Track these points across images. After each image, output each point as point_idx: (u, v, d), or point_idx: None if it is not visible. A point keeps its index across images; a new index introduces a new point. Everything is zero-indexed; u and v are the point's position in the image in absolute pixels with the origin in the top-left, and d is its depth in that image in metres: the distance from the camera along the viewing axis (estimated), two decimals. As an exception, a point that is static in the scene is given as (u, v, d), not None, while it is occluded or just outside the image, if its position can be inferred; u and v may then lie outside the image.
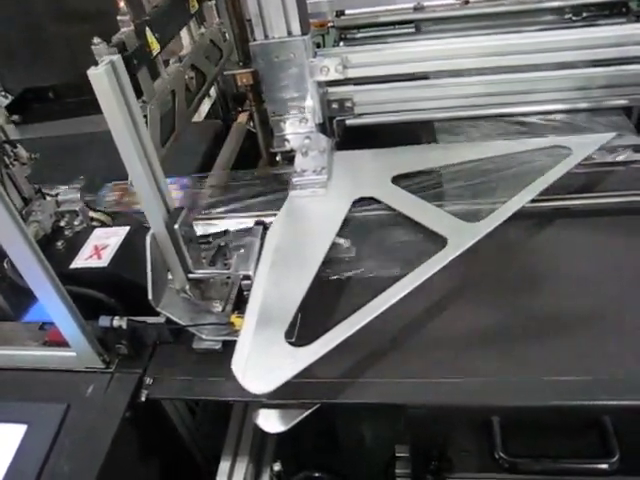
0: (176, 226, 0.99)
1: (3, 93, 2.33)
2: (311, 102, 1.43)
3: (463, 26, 2.00)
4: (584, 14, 1.98)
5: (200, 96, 1.49)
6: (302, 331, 1.01)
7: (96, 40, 0.92)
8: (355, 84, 1.51)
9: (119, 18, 1.05)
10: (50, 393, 1.06)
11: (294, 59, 1.37)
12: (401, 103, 1.53)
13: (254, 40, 1.38)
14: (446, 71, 1.49)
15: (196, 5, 1.40)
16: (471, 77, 1.51)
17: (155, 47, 1.14)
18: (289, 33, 1.35)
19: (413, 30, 2.08)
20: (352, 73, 1.41)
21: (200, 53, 1.49)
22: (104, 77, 0.83)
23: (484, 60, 1.43)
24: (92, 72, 0.83)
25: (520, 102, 1.49)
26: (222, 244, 1.15)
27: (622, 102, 1.46)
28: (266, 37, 1.36)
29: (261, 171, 1.52)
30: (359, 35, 2.10)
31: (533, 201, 1.18)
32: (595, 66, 1.42)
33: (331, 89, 1.49)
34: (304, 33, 1.35)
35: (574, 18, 2.01)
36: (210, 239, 1.18)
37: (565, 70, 1.43)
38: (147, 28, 1.11)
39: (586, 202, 1.22)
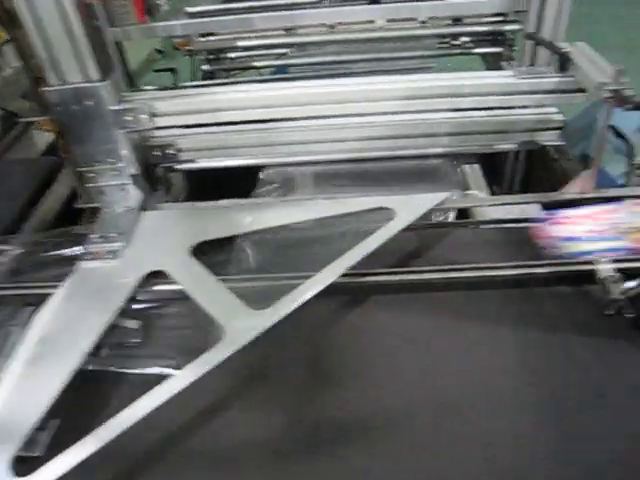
0: None
1: None
2: (124, 151, 1.28)
3: (333, 50, 1.88)
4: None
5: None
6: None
7: None
8: (181, 126, 1.37)
9: None
10: None
11: (95, 107, 1.22)
12: (232, 149, 1.40)
13: (48, 85, 1.21)
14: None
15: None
16: (310, 121, 1.39)
17: None
18: (86, 78, 1.20)
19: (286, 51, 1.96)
20: (162, 122, 1.27)
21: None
22: None
23: (308, 108, 1.32)
24: None
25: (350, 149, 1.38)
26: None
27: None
28: (61, 82, 1.21)
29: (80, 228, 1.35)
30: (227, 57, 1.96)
31: (345, 275, 1.07)
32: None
33: (151, 134, 1.34)
34: (104, 77, 1.20)
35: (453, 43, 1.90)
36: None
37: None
38: None
39: (408, 277, 1.10)
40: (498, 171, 1.78)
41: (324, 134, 1.38)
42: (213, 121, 1.34)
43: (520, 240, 1.17)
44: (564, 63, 1.17)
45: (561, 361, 0.98)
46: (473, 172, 1.71)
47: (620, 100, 1.03)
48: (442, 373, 0.96)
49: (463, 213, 1.36)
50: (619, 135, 2.08)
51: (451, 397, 0.92)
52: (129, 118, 1.23)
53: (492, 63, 1.92)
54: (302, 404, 0.94)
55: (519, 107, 1.25)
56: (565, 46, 1.21)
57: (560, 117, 1.27)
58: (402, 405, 0.92)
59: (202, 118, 1.33)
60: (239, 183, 1.54)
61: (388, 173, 1.41)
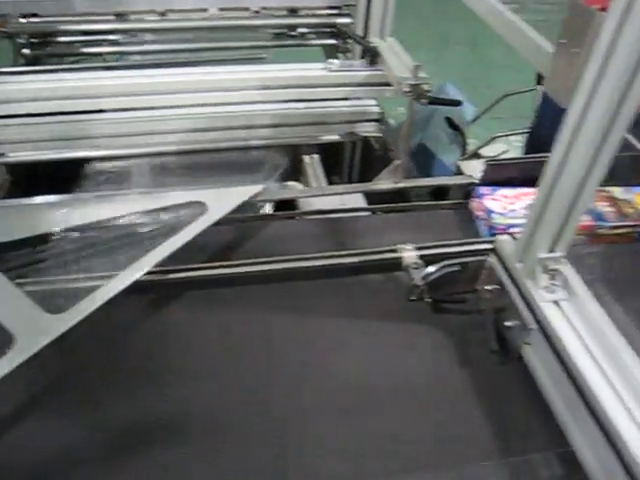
0: None
1: None
2: None
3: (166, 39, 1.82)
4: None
5: None
6: None
7: None
8: None
9: None
10: None
11: None
12: (49, 141, 1.32)
13: None
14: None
15: None
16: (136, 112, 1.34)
17: None
18: None
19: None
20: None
21: None
22: None
23: (133, 99, 1.27)
24: None
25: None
26: None
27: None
28: None
29: None
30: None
31: (153, 273, 1.03)
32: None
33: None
34: None
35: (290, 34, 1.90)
36: None
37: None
38: None
39: (218, 272, 1.09)
40: (337, 162, 1.82)
41: (150, 126, 1.34)
42: (28, 111, 1.25)
43: (338, 230, 1.20)
44: (373, 57, 1.20)
45: (369, 347, 1.02)
46: (312, 163, 1.74)
47: (418, 94, 1.08)
48: (255, 370, 0.96)
49: (290, 205, 1.37)
50: (453, 126, 2.19)
51: (260, 393, 0.93)
52: None
53: (332, 55, 1.95)
54: (104, 408, 0.91)
55: (337, 99, 1.27)
56: (375, 41, 1.25)
57: (377, 109, 1.31)
58: (212, 402, 0.91)
59: (12, 108, 1.24)
60: (70, 177, 1.46)
61: (215, 165, 1.39)
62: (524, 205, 1.17)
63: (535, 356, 0.95)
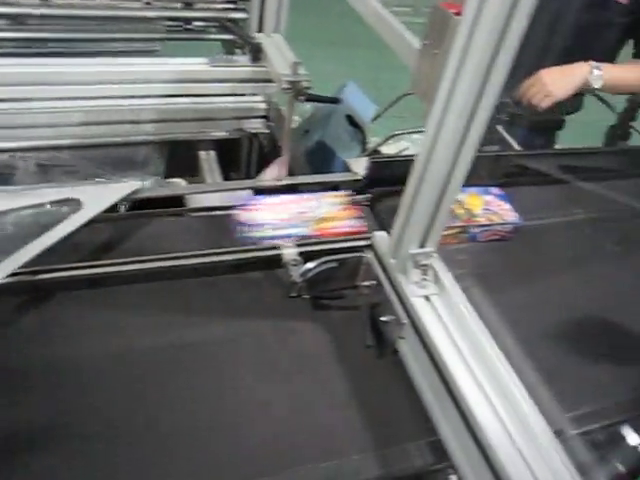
0: None
1: None
2: None
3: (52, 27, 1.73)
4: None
5: None
6: None
7: None
8: None
9: None
10: None
11: None
12: None
13: None
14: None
15: None
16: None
17: None
18: None
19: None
20: None
21: None
22: None
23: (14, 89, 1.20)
24: None
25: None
26: None
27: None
28: None
29: None
30: None
31: (19, 274, 0.98)
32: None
33: None
34: None
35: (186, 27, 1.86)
36: None
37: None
38: None
39: (90, 271, 1.04)
40: (234, 159, 1.80)
41: (32, 118, 1.27)
42: None
43: (221, 227, 1.18)
44: (256, 53, 1.19)
45: (250, 345, 1.01)
46: (208, 158, 1.71)
47: (297, 91, 1.08)
48: (140, 374, 0.93)
49: (176, 201, 1.33)
50: (354, 124, 2.21)
51: (151, 396, 0.90)
52: None
53: (230, 51, 1.92)
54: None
55: (221, 95, 1.25)
56: (259, 37, 1.24)
57: (263, 106, 1.30)
58: (88, 409, 0.87)
59: None
60: None
61: (94, 161, 1.33)
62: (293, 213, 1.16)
63: (408, 350, 0.97)
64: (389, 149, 2.35)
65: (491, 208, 1.27)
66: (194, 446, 0.84)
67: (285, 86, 1.07)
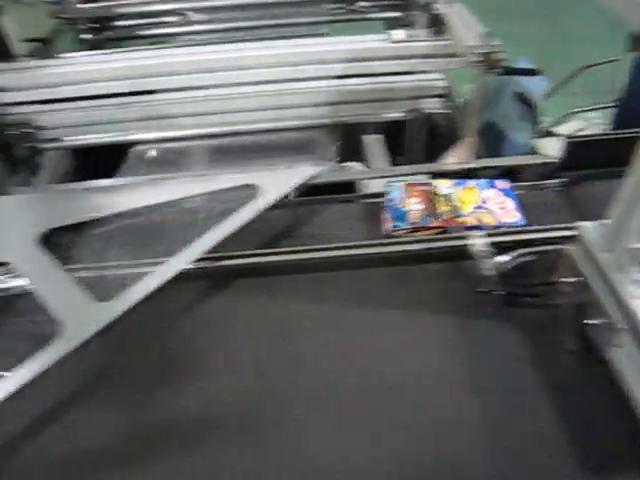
0: None
1: None
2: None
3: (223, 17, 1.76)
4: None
5: None
6: None
7: None
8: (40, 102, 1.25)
9: None
10: None
11: None
12: (101, 125, 1.29)
13: None
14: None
15: None
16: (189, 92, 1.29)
17: None
18: None
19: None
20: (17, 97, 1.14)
21: None
22: None
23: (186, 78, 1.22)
24: None
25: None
26: None
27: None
28: None
29: None
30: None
31: (204, 260, 0.98)
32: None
33: (3, 110, 1.21)
34: None
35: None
36: None
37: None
38: None
39: (272, 259, 1.02)
40: (400, 142, 1.72)
41: (213, 105, 1.28)
42: (77, 95, 1.22)
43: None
44: (438, 26, 1.10)
45: (436, 341, 0.93)
46: (375, 143, 1.65)
47: (490, 64, 0.97)
48: (315, 364, 0.90)
49: (349, 187, 1.28)
50: (525, 102, 2.04)
51: (324, 386, 0.87)
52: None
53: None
54: (149, 403, 0.86)
55: (399, 73, 1.18)
56: (440, 8, 1.14)
57: (443, 84, 1.21)
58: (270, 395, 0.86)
59: (64, 92, 1.21)
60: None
61: (267, 146, 1.32)
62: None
63: (624, 360, 0.84)
64: (562, 129, 2.14)
65: (486, 206, 1.07)
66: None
67: (475, 59, 0.97)
